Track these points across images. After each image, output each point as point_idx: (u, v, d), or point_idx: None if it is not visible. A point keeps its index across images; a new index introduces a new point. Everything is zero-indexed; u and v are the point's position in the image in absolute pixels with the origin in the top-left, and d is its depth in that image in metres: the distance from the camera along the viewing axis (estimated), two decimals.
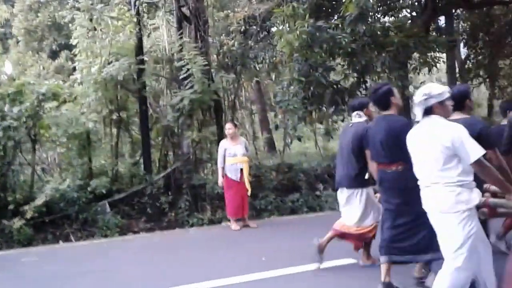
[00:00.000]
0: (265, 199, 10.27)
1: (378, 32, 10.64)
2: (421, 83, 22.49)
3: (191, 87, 9.24)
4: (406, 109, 13.36)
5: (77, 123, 8.94)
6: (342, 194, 5.50)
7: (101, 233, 8.68)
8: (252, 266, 5.70)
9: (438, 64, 12.74)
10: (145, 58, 9.98)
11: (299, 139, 12.91)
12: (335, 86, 12.21)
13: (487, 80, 15.01)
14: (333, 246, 5.60)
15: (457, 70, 15.78)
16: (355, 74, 12.18)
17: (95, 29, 9.51)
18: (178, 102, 9.35)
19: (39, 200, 8.41)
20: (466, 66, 15.85)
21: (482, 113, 16.47)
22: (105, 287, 5.09)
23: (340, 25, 10.48)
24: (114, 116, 9.64)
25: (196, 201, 9.87)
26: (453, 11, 15.05)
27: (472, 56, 15.45)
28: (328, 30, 10.21)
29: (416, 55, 11.78)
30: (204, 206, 9.87)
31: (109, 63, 9.22)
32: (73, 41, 9.68)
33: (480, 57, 15.13)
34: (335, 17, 11.78)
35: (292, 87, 11.21)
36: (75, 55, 9.81)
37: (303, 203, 10.54)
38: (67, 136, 8.98)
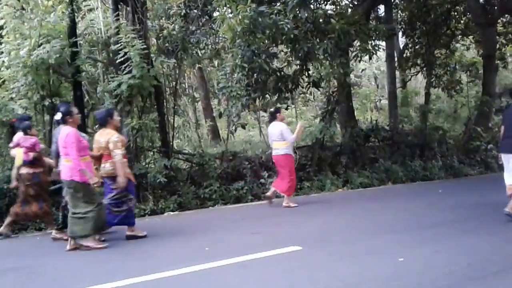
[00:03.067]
0: (209, 188, 10.06)
1: (320, 19, 10.64)
2: (362, 70, 23.06)
3: (129, 71, 8.79)
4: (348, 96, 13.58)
5: (6, 109, 8.30)
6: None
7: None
8: (195, 257, 5.45)
9: (378, 52, 12.96)
10: (79, 41, 9.40)
11: (243, 127, 12.83)
12: (278, 73, 12.17)
13: (424, 69, 15.38)
14: None
15: (396, 59, 16.16)
16: (298, 61, 12.18)
17: (23, 9, 8.84)
18: (116, 87, 8.87)
19: None
20: (404, 55, 16.23)
21: (420, 101, 16.96)
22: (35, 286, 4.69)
23: (282, 11, 10.38)
24: (47, 103, 9.03)
25: (137, 191, 9.47)
26: (392, 0, 15.36)
27: (410, 45, 15.82)
28: (270, 15, 10.08)
29: (357, 43, 11.89)
30: (146, 195, 9.51)
31: (39, 46, 8.59)
32: None
33: (417, 47, 15.50)
34: (278, 3, 11.66)
35: (235, 74, 11.03)
36: (2, 37, 9.09)
37: (247, 191, 10.42)
38: None
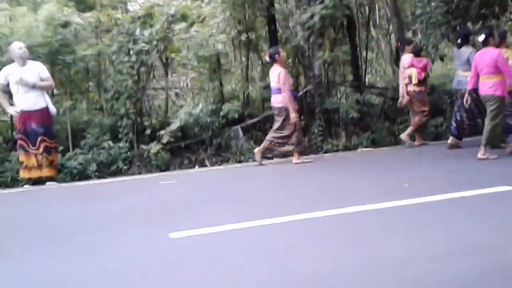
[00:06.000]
0: (404, 123, 9.39)
1: None
2: None
3: (322, 1, 8.37)
4: None
5: (207, 45, 8.61)
6: None
7: (235, 158, 8.53)
8: (394, 193, 5.00)
9: None
10: None
11: (442, 59, 11.60)
12: None
13: None
14: None
15: None
16: None
17: None
18: (308, 19, 8.56)
19: (174, 125, 8.43)
20: None
21: None
22: (240, 210, 4.74)
23: None
24: (243, 38, 9.17)
25: (329, 126, 9.30)
26: None
27: None
28: None
29: None
30: (338, 131, 9.28)
31: None
32: None
33: None
34: None
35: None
36: None
37: (447, 128, 9.48)
38: (197, 59, 8.70)
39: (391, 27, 14.81)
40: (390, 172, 6.43)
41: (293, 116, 7.14)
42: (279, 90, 7.22)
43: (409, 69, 8.09)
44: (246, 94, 9.38)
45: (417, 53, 8.14)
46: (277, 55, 7.28)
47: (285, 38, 10.10)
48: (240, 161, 8.47)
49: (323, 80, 9.60)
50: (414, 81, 8.06)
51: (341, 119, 9.29)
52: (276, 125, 7.40)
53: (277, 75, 7.18)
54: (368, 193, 5.16)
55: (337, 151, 8.83)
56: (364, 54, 10.61)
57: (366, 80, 11.05)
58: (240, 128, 8.81)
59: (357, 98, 9.36)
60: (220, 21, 9.09)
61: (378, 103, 10.33)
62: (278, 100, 7.28)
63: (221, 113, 8.69)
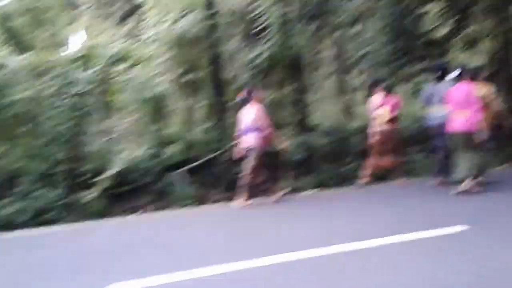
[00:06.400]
0: (350, 164, 9.32)
1: None
2: None
3: (268, 41, 8.28)
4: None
5: (149, 86, 8.31)
6: None
7: (178, 203, 8.14)
8: (349, 235, 4.81)
9: None
10: (217, 13, 9.10)
11: None
12: (426, 37, 10.91)
13: None
14: None
15: None
16: (451, 21, 10.79)
17: None
18: (255, 58, 8.43)
19: (113, 170, 8.00)
20: None
21: None
22: (182, 259, 4.43)
23: None
24: (187, 78, 8.92)
25: (272, 170, 9.08)
26: None
27: None
28: None
29: None
30: (283, 174, 9.06)
31: (177, 20, 8.45)
32: None
33: None
34: None
35: (380, 37, 10.02)
36: (145, 14, 9.12)
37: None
38: (139, 101, 8.38)
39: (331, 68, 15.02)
40: (339, 215, 6.24)
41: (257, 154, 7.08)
42: (254, 129, 7.10)
43: (380, 108, 8.13)
44: (189, 137, 9.06)
45: (387, 92, 8.26)
46: (253, 93, 7.24)
47: (230, 78, 9.92)
48: (183, 206, 8.10)
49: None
50: (386, 119, 8.08)
51: (286, 161, 9.09)
52: (249, 164, 7.23)
53: (254, 113, 7.07)
54: (314, 237, 4.96)
55: (284, 194, 8.58)
56: (309, 94, 10.56)
57: (311, 121, 11.00)
58: (182, 172, 8.46)
59: (302, 140, 9.23)
60: (164, 61, 8.81)
61: (324, 144, 10.23)
62: (252, 139, 7.14)
63: (163, 157, 8.34)
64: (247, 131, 7.18)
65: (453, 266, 3.72)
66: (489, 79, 10.48)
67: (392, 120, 8.06)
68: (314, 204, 7.37)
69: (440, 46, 11.21)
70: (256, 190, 7.46)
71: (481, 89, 6.89)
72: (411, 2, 9.53)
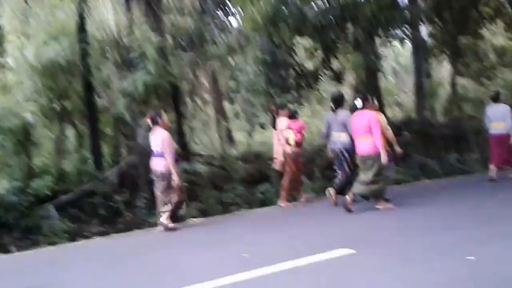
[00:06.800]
0: (232, 191, 9.32)
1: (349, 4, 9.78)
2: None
3: (144, 68, 8.07)
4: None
5: (12, 115, 7.61)
6: None
7: (47, 240, 7.44)
8: (234, 265, 4.68)
9: (395, 44, 12.22)
10: (89, 39, 8.71)
11: (262, 127, 12.03)
12: (298, 68, 11.47)
13: (450, 58, 14.51)
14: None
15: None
16: (321, 54, 11.46)
17: (26, 2, 8.16)
18: (130, 86, 8.15)
19: None
20: (429, 43, 15.36)
21: (445, 92, 16.05)
22: None
23: None
24: (56, 106, 8.35)
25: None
26: None
27: (434, 32, 14.92)
28: (294, 2, 9.34)
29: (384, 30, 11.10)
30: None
31: (45, 44, 7.91)
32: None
33: (442, 34, 14.60)
34: None
35: (255, 67, 10.31)
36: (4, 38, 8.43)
37: (273, 194, 9.65)
38: (2, 130, 7.64)
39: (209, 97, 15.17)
40: (225, 243, 6.09)
41: (176, 180, 6.78)
42: (161, 154, 6.84)
43: (286, 131, 8.25)
44: (59, 168, 8.43)
45: (292, 116, 8.39)
46: (159, 118, 7.02)
47: (104, 107, 9.49)
48: (53, 243, 7.41)
49: (147, 149, 9.13)
50: (292, 142, 8.19)
51: None
52: (159, 190, 6.96)
53: (160, 138, 6.84)
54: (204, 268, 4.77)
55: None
56: (189, 122, 10.48)
57: (191, 148, 10.90)
58: (52, 206, 7.80)
59: (184, 167, 9.04)
60: (28, 89, 8.16)
61: (205, 172, 10.16)
62: (160, 164, 6.86)
63: (30, 191, 7.63)
64: (155, 155, 7.04)
65: None
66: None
67: (298, 143, 8.26)
68: (200, 233, 7.17)
69: (310, 77, 11.83)
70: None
71: (380, 116, 7.34)
72: (284, 35, 9.93)
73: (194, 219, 8.21)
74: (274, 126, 8.66)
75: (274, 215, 8.13)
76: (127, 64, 8.81)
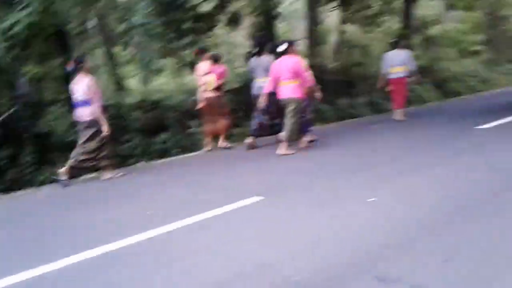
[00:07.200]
0: (129, 143, 8.81)
1: None
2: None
3: (26, 6, 7.08)
4: None
5: None
6: None
7: None
8: (136, 225, 4.42)
9: None
10: None
11: (158, 73, 11.47)
12: (194, 11, 10.95)
13: (340, 4, 14.79)
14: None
15: None
16: None
17: None
18: (10, 27, 7.14)
19: None
20: None
21: (333, 38, 16.43)
22: None
23: None
24: None
25: (43, 153, 7.99)
26: None
27: None
28: None
29: None
30: (51, 159, 8.04)
31: None
32: None
33: None
34: None
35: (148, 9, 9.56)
36: None
37: (174, 144, 9.31)
38: None
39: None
40: (128, 200, 5.73)
41: (105, 128, 6.68)
42: (87, 102, 6.63)
43: (207, 75, 8.30)
44: None
45: (215, 60, 8.45)
46: (83, 63, 6.77)
47: None
48: None
49: (31, 99, 8.23)
50: (213, 87, 8.27)
51: (55, 145, 8.09)
52: (83, 139, 6.74)
53: (86, 84, 6.60)
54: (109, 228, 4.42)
55: (43, 183, 7.53)
56: None
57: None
58: None
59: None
60: None
61: None
62: (86, 113, 6.69)
63: None
64: (79, 104, 6.73)
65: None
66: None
67: (218, 88, 8.36)
68: (100, 190, 6.67)
69: (207, 21, 11.38)
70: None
71: (302, 62, 7.69)
72: None
73: (89, 175, 7.65)
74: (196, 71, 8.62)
75: (187, 163, 7.94)
76: (7, 3, 7.68)
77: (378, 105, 12.85)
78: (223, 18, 11.41)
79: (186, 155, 8.93)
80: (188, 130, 9.54)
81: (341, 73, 13.44)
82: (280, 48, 7.40)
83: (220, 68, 8.52)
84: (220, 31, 12.29)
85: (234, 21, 11.31)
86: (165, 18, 9.93)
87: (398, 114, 10.25)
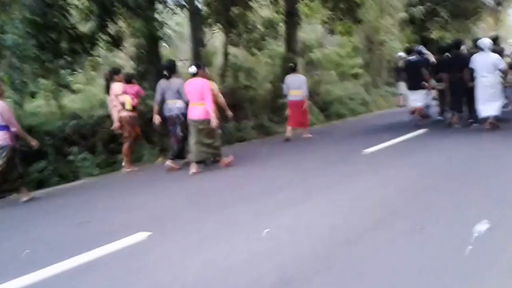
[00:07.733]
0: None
1: None
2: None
3: None
4: None
5: None
6: None
7: None
8: (10, 267, 3.99)
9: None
10: None
11: (33, 96, 10.66)
12: (72, 31, 10.43)
13: (224, 26, 14.98)
14: None
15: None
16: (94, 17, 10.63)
17: None
18: None
19: None
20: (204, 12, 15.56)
21: (219, 61, 16.54)
22: None
23: None
24: None
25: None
26: None
27: (209, 1, 15.16)
28: None
29: None
30: None
31: None
32: None
33: (216, 3, 14.93)
34: None
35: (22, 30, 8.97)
36: None
37: (52, 172, 8.71)
38: None
39: None
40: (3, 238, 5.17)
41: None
42: (3, 127, 6.68)
43: (122, 96, 8.36)
44: None
45: (129, 80, 8.52)
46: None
47: None
48: None
49: None
50: (128, 107, 8.37)
51: None
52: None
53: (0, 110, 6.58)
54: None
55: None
56: None
57: None
58: None
59: None
60: None
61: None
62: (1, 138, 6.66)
63: None
64: None
65: None
66: (139, 76, 10.85)
67: (134, 108, 8.51)
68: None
69: (86, 42, 10.92)
70: None
71: (212, 84, 8.18)
72: None
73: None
74: (108, 92, 8.72)
75: (69, 193, 7.43)
76: None
77: (266, 128, 13.10)
78: (103, 38, 10.99)
79: (68, 184, 8.40)
80: (68, 157, 8.98)
81: (227, 96, 13.52)
82: (191, 70, 7.72)
83: (133, 88, 8.58)
84: (102, 51, 11.83)
85: (115, 42, 10.95)
86: (40, 39, 9.38)
87: (288, 131, 10.79)
